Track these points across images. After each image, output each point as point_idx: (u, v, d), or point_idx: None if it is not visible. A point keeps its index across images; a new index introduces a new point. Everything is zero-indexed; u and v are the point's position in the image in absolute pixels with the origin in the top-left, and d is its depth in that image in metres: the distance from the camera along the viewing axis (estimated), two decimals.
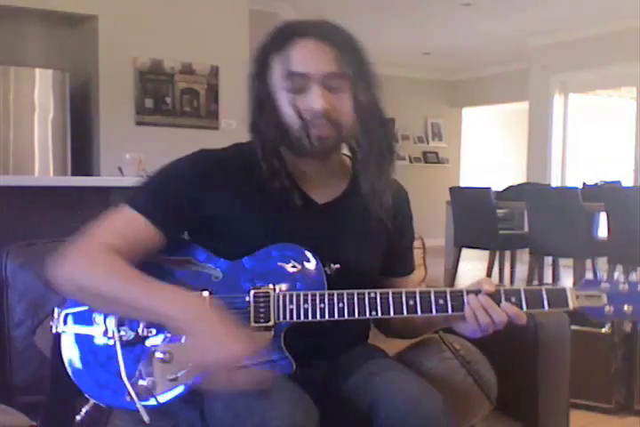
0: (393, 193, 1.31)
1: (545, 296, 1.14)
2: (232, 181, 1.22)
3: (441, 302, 1.14)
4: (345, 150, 1.31)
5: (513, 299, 1.13)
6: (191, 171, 1.23)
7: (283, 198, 1.22)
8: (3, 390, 1.48)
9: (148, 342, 1.17)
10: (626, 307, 1.14)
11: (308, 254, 1.18)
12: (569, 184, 7.20)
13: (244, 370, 1.04)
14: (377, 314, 1.14)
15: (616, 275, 1.16)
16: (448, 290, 1.14)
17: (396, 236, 1.35)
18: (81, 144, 5.03)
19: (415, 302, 1.14)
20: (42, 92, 4.80)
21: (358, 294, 1.14)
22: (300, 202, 1.24)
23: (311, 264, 1.18)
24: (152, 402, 1.14)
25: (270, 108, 1.20)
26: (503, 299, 1.14)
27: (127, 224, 1.19)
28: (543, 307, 1.15)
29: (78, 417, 1.20)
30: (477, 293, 1.14)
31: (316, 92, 1.16)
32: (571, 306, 1.14)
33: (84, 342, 1.20)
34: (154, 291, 1.09)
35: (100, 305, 1.14)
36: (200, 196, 1.21)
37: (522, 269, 5.63)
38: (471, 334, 1.18)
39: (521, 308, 1.14)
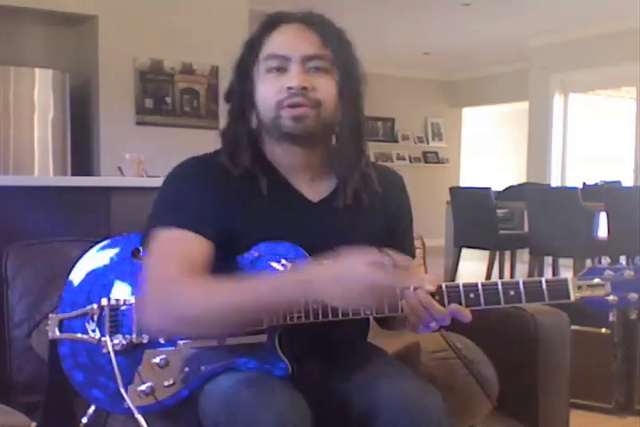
0: (384, 180, 1.30)
1: (545, 288, 1.09)
2: (226, 182, 1.21)
3: (437, 298, 1.09)
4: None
5: (512, 292, 1.10)
6: (190, 175, 1.22)
7: (274, 197, 1.21)
8: (3, 390, 1.48)
9: (144, 348, 1.17)
10: (631, 295, 1.08)
11: (298, 250, 1.16)
12: (569, 184, 7.19)
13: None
14: (371, 313, 1.11)
15: (622, 260, 1.11)
16: (444, 284, 1.10)
17: (391, 222, 1.32)
18: (81, 144, 5.03)
19: None
20: (42, 92, 4.79)
21: None
22: (294, 202, 1.23)
23: (302, 261, 1.16)
24: (151, 406, 1.15)
25: (246, 94, 1.21)
26: (445, 296, 1.10)
27: (178, 246, 1.14)
28: (544, 299, 1.10)
29: (84, 420, 1.21)
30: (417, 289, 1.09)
31: (294, 71, 1.17)
32: (572, 297, 1.09)
33: (80, 348, 1.21)
34: (264, 286, 1.08)
35: (217, 325, 1.10)
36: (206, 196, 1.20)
37: (522, 269, 5.63)
38: (413, 329, 1.14)
39: (520, 301, 1.10)
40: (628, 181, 6.69)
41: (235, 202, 1.20)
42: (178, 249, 1.14)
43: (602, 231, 5.05)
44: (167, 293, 1.10)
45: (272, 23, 1.22)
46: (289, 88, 1.16)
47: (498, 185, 6.13)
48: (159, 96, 5.27)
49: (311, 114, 1.17)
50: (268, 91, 1.19)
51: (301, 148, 1.22)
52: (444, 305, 1.09)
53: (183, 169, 1.23)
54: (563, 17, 6.66)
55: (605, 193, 4.78)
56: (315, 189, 1.26)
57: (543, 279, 1.10)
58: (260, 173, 1.21)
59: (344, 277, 1.04)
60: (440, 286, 1.10)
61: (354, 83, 1.22)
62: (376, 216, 1.29)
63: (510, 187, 5.94)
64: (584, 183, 5.65)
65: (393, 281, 1.05)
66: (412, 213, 1.39)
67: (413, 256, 1.36)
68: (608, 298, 1.09)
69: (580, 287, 1.09)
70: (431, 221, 5.61)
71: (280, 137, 1.21)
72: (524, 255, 5.93)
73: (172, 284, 1.10)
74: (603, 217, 4.83)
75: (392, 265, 1.04)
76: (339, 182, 1.26)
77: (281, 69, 1.18)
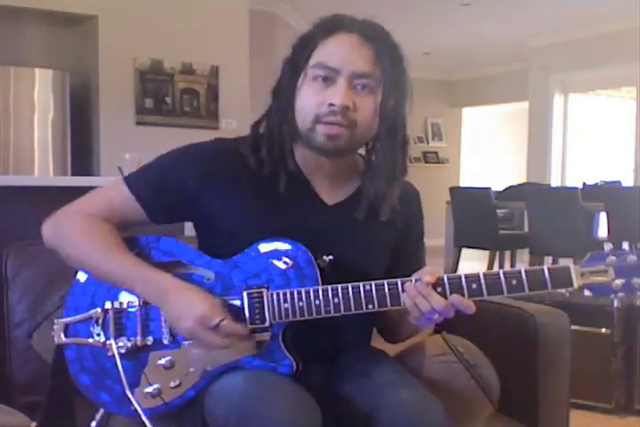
0: (403, 194, 1.28)
1: (547, 275, 1.07)
2: (242, 177, 1.22)
3: (439, 289, 1.09)
4: (361, 150, 1.28)
5: (514, 281, 1.07)
6: (202, 161, 1.23)
7: (290, 194, 1.21)
8: (3, 390, 1.48)
9: (149, 350, 1.17)
10: (635, 280, 1.06)
11: (299, 248, 1.16)
12: (569, 184, 7.19)
13: (222, 326, 1.08)
14: (374, 307, 1.11)
15: (624, 246, 1.08)
16: (445, 276, 1.10)
17: (402, 236, 1.32)
18: (81, 144, 5.02)
19: None
20: (42, 92, 4.79)
21: (353, 287, 1.11)
22: (309, 203, 1.24)
23: (303, 258, 1.15)
24: (159, 408, 1.15)
25: (290, 96, 1.19)
26: (447, 288, 1.08)
27: (116, 197, 1.24)
28: (546, 287, 1.08)
29: (93, 424, 1.21)
30: (417, 281, 1.09)
31: (340, 86, 1.15)
32: (575, 284, 1.07)
33: (86, 352, 1.21)
34: (119, 265, 1.17)
35: (76, 266, 1.24)
36: (203, 188, 1.21)
37: None
38: (416, 323, 1.12)
39: (523, 290, 1.08)
40: (628, 181, 6.68)
41: (249, 196, 1.21)
42: (114, 199, 1.25)
43: (602, 231, 5.05)
44: (68, 220, 1.22)
45: (330, 28, 1.20)
46: (331, 104, 1.15)
47: (498, 185, 6.13)
48: (159, 96, 5.26)
49: (345, 134, 1.17)
50: (310, 101, 1.17)
51: (328, 159, 1.23)
52: (446, 297, 1.08)
53: (203, 153, 1.25)
54: (563, 17, 6.66)
55: (605, 193, 4.78)
56: (333, 193, 1.26)
57: (545, 267, 1.08)
58: (282, 169, 1.21)
59: (178, 313, 1.11)
60: (442, 278, 1.10)
61: (398, 101, 1.20)
62: (388, 229, 1.29)
63: (510, 187, 5.94)
64: (584, 183, 5.65)
65: (210, 342, 1.11)
66: (423, 225, 1.39)
67: (419, 265, 1.34)
68: (611, 284, 1.07)
69: (582, 274, 1.07)
70: (431, 221, 5.56)
71: (309, 147, 1.21)
72: (524, 255, 5.93)
73: (78, 216, 1.22)
74: (603, 217, 4.83)
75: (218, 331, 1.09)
76: (359, 190, 1.26)
77: (327, 79, 1.16)
